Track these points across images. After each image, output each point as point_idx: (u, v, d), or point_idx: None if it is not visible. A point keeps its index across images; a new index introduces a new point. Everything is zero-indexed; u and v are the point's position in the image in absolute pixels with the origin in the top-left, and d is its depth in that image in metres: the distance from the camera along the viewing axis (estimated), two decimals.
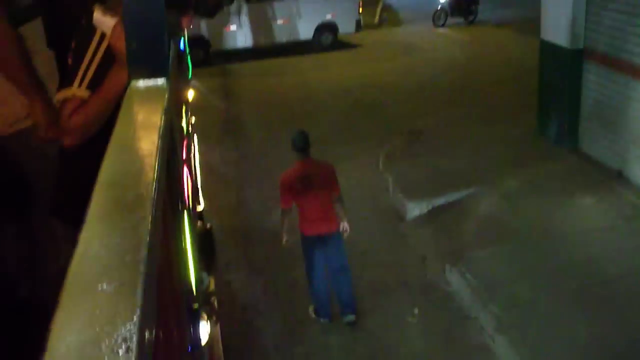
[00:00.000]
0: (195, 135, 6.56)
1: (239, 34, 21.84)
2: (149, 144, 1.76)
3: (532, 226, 9.74)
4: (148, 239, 1.32)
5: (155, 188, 1.52)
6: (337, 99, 16.98)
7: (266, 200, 11.24)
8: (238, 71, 21.11)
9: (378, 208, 11.16)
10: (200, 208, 6.67)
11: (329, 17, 22.89)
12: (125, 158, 1.75)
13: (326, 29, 23.05)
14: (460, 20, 25.79)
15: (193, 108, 6.64)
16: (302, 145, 8.10)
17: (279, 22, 22.33)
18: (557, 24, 11.80)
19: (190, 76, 6.42)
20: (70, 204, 3.52)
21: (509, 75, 17.07)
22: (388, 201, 11.34)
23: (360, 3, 23.13)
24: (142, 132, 1.89)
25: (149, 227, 1.36)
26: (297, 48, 22.58)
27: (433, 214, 10.54)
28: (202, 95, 15.94)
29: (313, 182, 8.02)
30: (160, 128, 1.86)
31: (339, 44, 23.14)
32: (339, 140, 13.70)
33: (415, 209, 10.66)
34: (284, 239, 8.27)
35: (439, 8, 25.69)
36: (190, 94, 6.01)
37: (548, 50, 12.24)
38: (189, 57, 6.05)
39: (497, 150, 12.24)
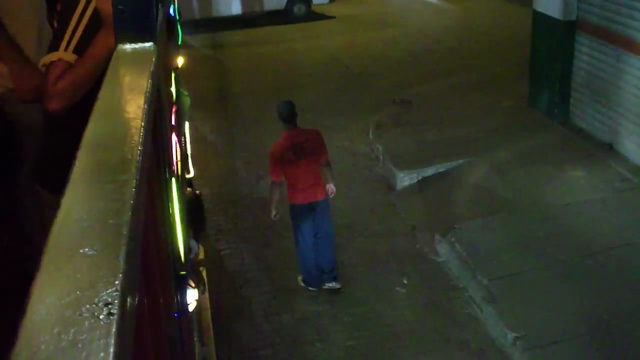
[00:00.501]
0: (187, 101, 6.51)
1: (205, 3, 21.49)
2: (134, 107, 1.74)
3: (522, 197, 9.75)
4: (132, 202, 1.30)
5: (140, 152, 1.50)
6: (327, 67, 16.91)
7: (256, 168, 11.22)
8: (221, 39, 20.98)
9: (368, 178, 11.16)
10: (189, 176, 6.66)
11: None
12: (110, 121, 1.73)
13: None
14: None
15: (183, 75, 6.59)
16: (288, 114, 8.09)
17: None
18: None
19: (180, 42, 6.37)
20: (54, 170, 3.50)
21: (500, 45, 17.00)
22: (378, 171, 11.33)
23: None
24: (128, 96, 1.86)
25: (133, 191, 1.34)
26: (277, 18, 22.34)
27: (423, 184, 10.53)
28: (191, 62, 15.86)
29: (304, 151, 8.01)
30: (146, 92, 1.83)
31: (314, 15, 22.80)
32: (329, 109, 13.67)
33: (405, 179, 10.65)
34: (273, 213, 8.26)
35: None
36: (180, 61, 5.97)
37: (540, 21, 12.18)
38: (178, 24, 5.99)
39: (488, 121, 12.21)
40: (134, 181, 1.37)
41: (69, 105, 3.06)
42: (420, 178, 10.63)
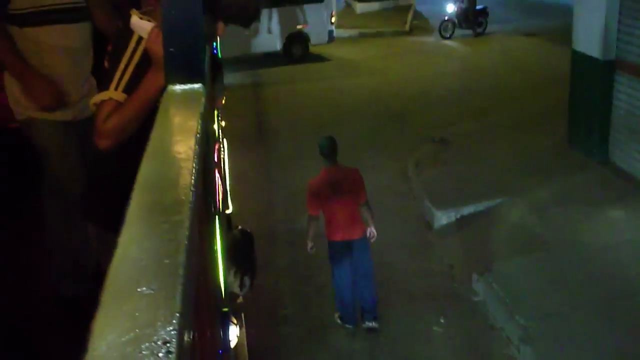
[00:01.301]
0: (225, 139, 6.60)
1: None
2: (186, 148, 1.78)
3: (561, 237, 9.69)
4: (186, 243, 1.34)
5: (193, 192, 1.54)
6: (366, 105, 16.97)
7: (294, 205, 11.26)
8: (260, 76, 21.13)
9: (406, 216, 11.15)
10: (228, 211, 6.71)
11: (299, 27, 22.32)
12: (162, 162, 1.77)
13: (296, 39, 22.39)
14: (468, 32, 25.07)
15: (224, 112, 6.68)
16: (330, 151, 8.14)
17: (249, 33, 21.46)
18: (589, 34, 11.75)
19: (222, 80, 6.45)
20: (102, 205, 3.58)
21: (539, 84, 17.00)
22: (416, 209, 11.32)
23: (333, 13, 22.55)
24: (179, 137, 1.91)
25: (187, 231, 1.37)
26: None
27: (461, 223, 10.51)
28: (232, 99, 16.00)
29: (341, 188, 8.04)
30: (197, 133, 1.88)
31: (312, 57, 22.82)
32: (368, 147, 13.72)
33: (443, 218, 10.64)
34: (309, 246, 8.28)
35: (445, 19, 24.95)
36: (222, 98, 6.06)
37: (579, 60, 12.18)
38: (219, 55, 6.09)
39: (527, 160, 12.19)
40: (188, 222, 1.41)
41: (118, 143, 3.13)
42: (458, 217, 10.61)
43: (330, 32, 22.30)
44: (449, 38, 24.48)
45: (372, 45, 23.69)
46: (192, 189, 1.56)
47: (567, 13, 13.08)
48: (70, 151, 4.87)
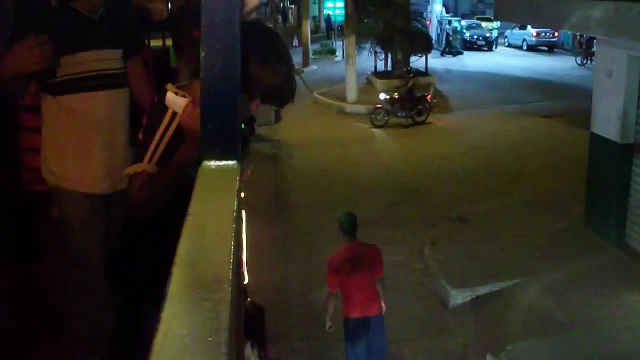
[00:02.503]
0: (243, 210, 6.63)
1: None
2: (224, 225, 1.82)
3: (576, 320, 9.63)
4: (228, 321, 1.36)
5: (232, 270, 1.57)
6: (383, 181, 17.03)
7: (309, 279, 11.25)
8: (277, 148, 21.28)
9: (421, 294, 11.11)
10: (244, 282, 6.72)
11: None
12: (201, 238, 1.81)
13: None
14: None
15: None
16: (350, 227, 8.18)
17: None
18: (608, 117, 11.84)
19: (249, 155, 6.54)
20: (128, 277, 3.62)
21: (557, 166, 17.05)
22: (432, 287, 11.29)
23: None
24: (216, 213, 1.95)
25: (229, 309, 1.40)
26: None
27: (476, 303, 10.47)
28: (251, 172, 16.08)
29: (361, 264, 8.05)
30: (233, 210, 1.92)
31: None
32: (385, 223, 13.75)
33: (458, 297, 10.60)
34: (328, 325, 8.25)
35: (378, 106, 24.06)
36: (248, 171, 6.13)
37: (597, 143, 12.25)
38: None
39: (543, 241, 12.18)
40: (229, 299, 1.44)
41: (149, 214, 3.19)
42: (474, 296, 10.58)
43: (277, 112, 22.09)
44: (384, 127, 23.61)
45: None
46: (231, 266, 1.59)
47: (587, 96, 13.17)
48: (95, 224, 4.86)
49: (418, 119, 23.99)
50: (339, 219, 8.28)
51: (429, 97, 24.63)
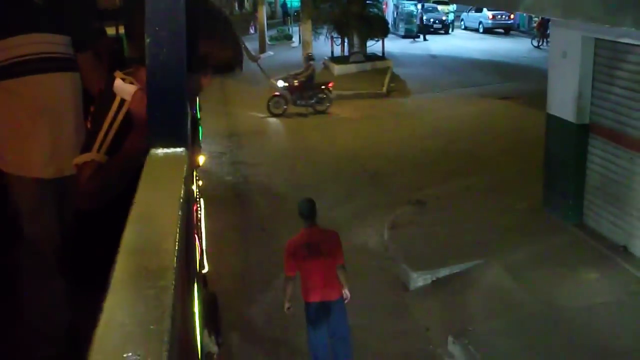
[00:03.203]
0: (202, 199, 6.62)
1: None
2: (169, 213, 1.80)
3: (536, 300, 9.72)
4: (171, 309, 1.35)
5: (177, 257, 1.55)
6: (343, 166, 17.03)
7: (270, 266, 11.23)
8: (237, 129, 21.21)
9: (382, 277, 11.15)
10: (204, 271, 6.70)
11: None
12: (147, 226, 1.79)
13: None
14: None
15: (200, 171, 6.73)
16: (309, 212, 8.19)
17: None
18: (563, 98, 11.92)
19: (200, 140, 6.53)
20: (81, 266, 3.57)
21: (514, 148, 17.15)
22: (392, 270, 11.33)
23: None
24: (162, 201, 1.92)
25: (172, 297, 1.38)
26: None
27: (437, 285, 10.53)
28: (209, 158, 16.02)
29: (319, 249, 8.07)
30: (180, 198, 1.90)
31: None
32: (344, 207, 13.76)
33: (419, 280, 10.65)
34: (286, 307, 8.27)
35: (276, 94, 23.40)
36: (201, 159, 6.11)
37: (554, 124, 12.33)
38: (199, 119, 6.15)
39: (502, 222, 12.26)
40: (172, 287, 1.42)
41: (99, 205, 3.14)
42: (434, 279, 10.64)
43: None
44: (282, 115, 23.04)
45: (349, 107, 23.83)
46: (176, 254, 1.57)
47: (543, 77, 13.26)
48: (44, 210, 4.79)
49: (319, 108, 23.31)
50: (298, 204, 8.29)
51: (330, 85, 23.83)
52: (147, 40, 2.32)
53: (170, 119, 2.36)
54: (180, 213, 1.80)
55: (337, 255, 8.23)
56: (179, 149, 2.32)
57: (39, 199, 4.71)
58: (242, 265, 11.79)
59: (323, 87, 23.54)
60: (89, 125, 3.36)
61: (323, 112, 23.20)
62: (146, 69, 2.40)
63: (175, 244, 1.62)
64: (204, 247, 6.69)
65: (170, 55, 2.33)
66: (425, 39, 43.02)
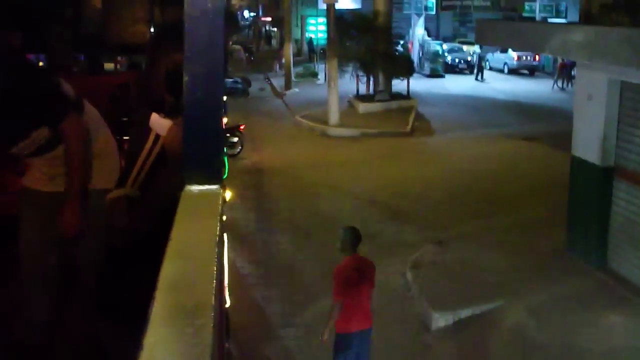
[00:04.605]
0: (225, 233, 6.63)
1: None
2: (206, 250, 1.82)
3: (558, 343, 9.64)
4: (210, 346, 1.36)
5: (214, 295, 1.57)
6: (366, 204, 17.00)
7: (291, 300, 11.21)
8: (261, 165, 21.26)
9: (403, 317, 11.09)
10: (226, 305, 6.71)
11: None
12: (184, 263, 1.81)
13: None
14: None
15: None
16: (356, 240, 8.34)
17: None
18: (588, 140, 11.90)
19: (226, 175, 6.56)
20: (115, 300, 3.61)
21: (539, 188, 17.10)
22: (414, 310, 11.27)
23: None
24: (198, 238, 1.95)
25: (211, 335, 1.40)
26: None
27: (459, 326, 10.46)
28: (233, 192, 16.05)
29: (365, 275, 8.27)
30: (216, 235, 1.92)
31: None
32: (367, 245, 13.71)
33: (440, 320, 10.58)
34: (326, 336, 8.20)
35: None
36: (227, 195, 6.14)
37: (578, 166, 12.30)
38: (225, 157, 6.19)
39: (525, 264, 12.19)
40: (211, 325, 1.44)
41: (133, 240, 3.17)
42: (456, 319, 10.57)
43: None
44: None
45: (373, 145, 23.86)
46: (213, 292, 1.59)
47: (568, 119, 13.25)
48: (34, 222, 5.11)
49: (229, 152, 20.92)
50: (343, 232, 8.41)
51: (242, 128, 22.44)
52: (185, 78, 2.35)
53: (206, 156, 2.40)
54: (216, 250, 1.82)
55: (373, 283, 8.45)
56: (214, 186, 2.35)
57: (29, 209, 5.12)
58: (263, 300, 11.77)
59: (233, 129, 21.83)
60: (123, 162, 3.41)
61: (234, 157, 21.35)
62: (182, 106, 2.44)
63: (212, 282, 1.64)
64: (226, 282, 6.73)
65: (207, 93, 2.37)
66: (482, 79, 42.97)
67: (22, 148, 4.86)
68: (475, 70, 44.47)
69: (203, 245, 1.86)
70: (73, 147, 4.82)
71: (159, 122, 3.18)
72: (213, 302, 1.54)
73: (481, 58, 43.82)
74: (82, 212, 4.90)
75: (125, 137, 5.42)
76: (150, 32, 8.30)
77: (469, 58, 47.65)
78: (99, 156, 4.95)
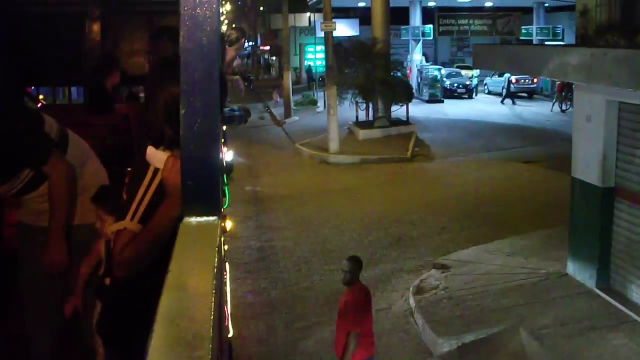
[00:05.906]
0: (227, 263, 6.65)
1: None
2: (204, 282, 1.84)
3: None
4: None
5: (212, 327, 1.59)
6: (367, 230, 17.01)
7: (295, 329, 11.20)
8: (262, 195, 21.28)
9: (406, 342, 11.07)
10: (229, 335, 6.71)
11: None
12: (182, 295, 1.82)
13: None
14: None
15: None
16: (360, 268, 8.47)
17: None
18: (588, 161, 11.91)
19: (227, 205, 6.57)
20: (115, 330, 3.63)
21: (540, 211, 17.11)
22: (417, 335, 11.24)
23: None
24: (196, 270, 1.96)
25: None
26: None
27: (462, 351, 10.43)
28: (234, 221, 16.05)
29: (370, 302, 8.45)
30: (214, 267, 1.94)
31: None
32: (369, 270, 13.71)
33: (444, 345, 10.55)
34: None
35: None
36: (228, 224, 6.16)
37: (579, 187, 12.31)
38: (226, 187, 6.20)
39: (528, 287, 12.17)
40: (209, 357, 1.45)
41: (134, 272, 3.19)
42: (459, 344, 10.53)
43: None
44: None
45: (374, 171, 23.90)
46: (211, 323, 1.60)
47: (567, 140, 13.29)
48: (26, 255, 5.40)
49: None
50: (349, 261, 8.43)
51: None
52: (182, 111, 2.38)
53: (204, 188, 2.41)
54: (214, 282, 1.84)
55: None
56: (212, 218, 2.37)
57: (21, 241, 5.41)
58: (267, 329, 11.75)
59: None
60: (124, 195, 3.44)
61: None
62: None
63: (211, 313, 1.65)
64: (229, 311, 6.72)
65: (204, 125, 2.39)
66: (514, 103, 43.10)
67: (7, 190, 5.01)
68: (503, 94, 44.51)
69: (201, 277, 1.87)
70: (56, 188, 5.02)
71: (154, 155, 3.21)
72: (211, 334, 1.56)
73: (510, 82, 43.87)
74: (67, 248, 5.05)
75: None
76: (148, 64, 8.34)
77: (468, 82, 47.79)
78: (88, 190, 5.12)
